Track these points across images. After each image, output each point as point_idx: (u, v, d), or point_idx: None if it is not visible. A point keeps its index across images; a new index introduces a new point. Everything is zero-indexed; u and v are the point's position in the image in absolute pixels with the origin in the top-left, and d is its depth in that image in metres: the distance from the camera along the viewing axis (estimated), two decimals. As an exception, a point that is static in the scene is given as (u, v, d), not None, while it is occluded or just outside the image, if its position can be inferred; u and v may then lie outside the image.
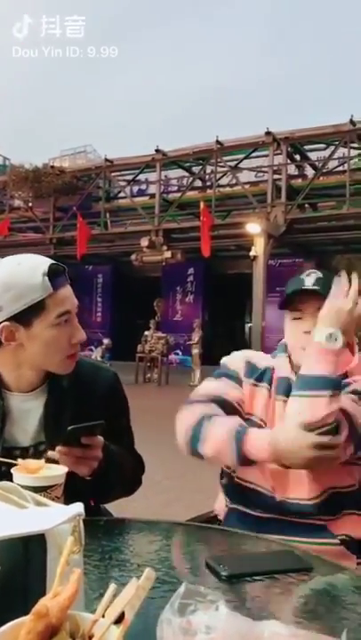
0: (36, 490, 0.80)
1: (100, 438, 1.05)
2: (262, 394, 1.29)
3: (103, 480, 1.09)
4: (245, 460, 1.15)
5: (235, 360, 1.36)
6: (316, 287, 1.24)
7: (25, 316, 1.08)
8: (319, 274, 1.28)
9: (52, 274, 1.09)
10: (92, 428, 1.03)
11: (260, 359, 1.35)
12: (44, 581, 0.59)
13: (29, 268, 1.09)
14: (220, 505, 1.35)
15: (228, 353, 1.41)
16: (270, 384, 1.29)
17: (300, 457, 1.10)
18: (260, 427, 1.25)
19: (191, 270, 16.51)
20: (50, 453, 1.03)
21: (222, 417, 1.23)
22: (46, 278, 1.07)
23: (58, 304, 1.09)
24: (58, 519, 0.59)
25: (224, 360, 1.39)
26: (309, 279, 1.27)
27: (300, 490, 1.20)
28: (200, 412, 1.23)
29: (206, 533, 1.16)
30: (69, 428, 1.00)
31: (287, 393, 1.24)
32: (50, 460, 0.98)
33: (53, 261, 1.12)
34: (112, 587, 0.48)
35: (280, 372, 1.29)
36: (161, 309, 15.05)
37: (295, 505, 1.20)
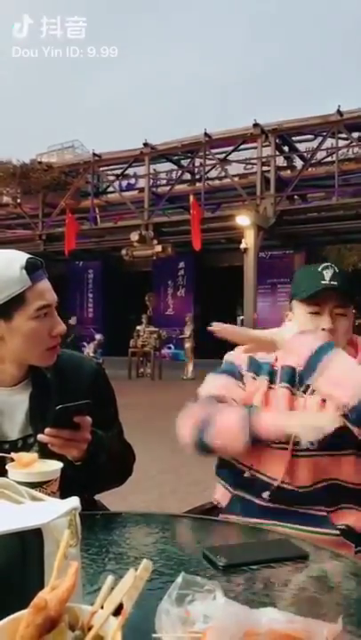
0: (32, 485, 0.80)
1: (89, 419, 1.06)
2: (262, 385, 1.31)
3: (93, 464, 1.10)
4: (255, 440, 1.16)
5: (238, 355, 1.38)
6: (334, 283, 1.25)
7: (5, 310, 1.09)
8: (336, 269, 1.29)
9: (30, 267, 1.10)
10: (79, 407, 1.04)
11: (260, 354, 1.37)
12: (42, 576, 0.59)
13: (7, 263, 1.09)
14: (220, 494, 1.36)
15: (221, 346, 1.42)
16: (270, 375, 1.31)
17: (317, 429, 1.09)
18: None
19: (182, 264, 16.51)
20: (40, 437, 1.03)
21: (230, 407, 1.25)
22: (24, 271, 1.09)
23: (37, 297, 1.11)
24: (54, 513, 0.59)
25: (227, 356, 1.41)
26: (328, 273, 1.27)
27: (296, 477, 1.22)
28: (205, 410, 1.25)
29: (202, 525, 1.16)
30: (57, 407, 1.01)
31: (291, 381, 1.28)
32: (43, 453, 0.98)
33: (31, 255, 1.13)
34: (110, 578, 0.48)
35: (285, 361, 1.31)
36: (153, 304, 15.04)
37: (291, 492, 1.22)
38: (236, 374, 1.35)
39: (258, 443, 1.17)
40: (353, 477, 1.23)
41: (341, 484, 1.23)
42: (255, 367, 1.34)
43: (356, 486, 1.24)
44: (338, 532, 1.19)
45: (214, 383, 1.36)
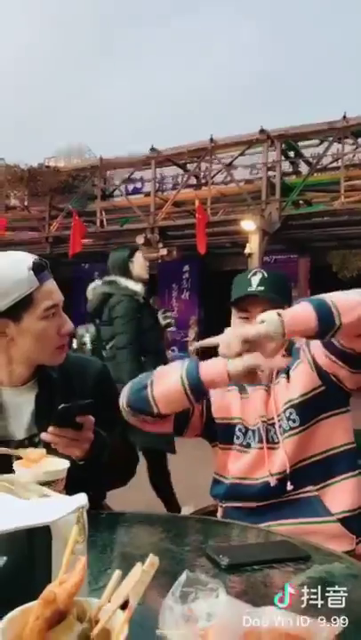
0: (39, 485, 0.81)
1: (92, 419, 1.07)
2: (234, 395, 1.34)
3: (96, 464, 1.11)
4: (200, 387, 1.16)
5: None
6: (260, 288, 1.29)
7: (14, 311, 1.11)
8: (265, 273, 1.33)
9: (37, 268, 1.12)
10: (82, 406, 1.05)
11: None
12: (49, 572, 0.60)
13: (14, 265, 1.12)
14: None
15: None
16: (236, 384, 1.33)
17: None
18: (241, 425, 1.30)
19: (187, 267, 16.49)
20: (42, 435, 1.05)
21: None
22: (31, 272, 1.11)
23: (45, 297, 1.13)
24: (62, 511, 0.61)
25: None
26: (255, 279, 1.31)
27: (277, 464, 1.24)
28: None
29: (205, 525, 1.18)
30: (60, 406, 1.03)
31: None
32: (48, 452, 0.99)
33: (36, 256, 1.16)
34: (117, 573, 0.50)
35: None
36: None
37: (271, 484, 1.24)
38: None
39: (202, 393, 1.18)
40: (340, 439, 1.25)
41: (328, 454, 1.24)
42: None
43: (345, 447, 1.25)
44: (335, 520, 1.20)
45: None
